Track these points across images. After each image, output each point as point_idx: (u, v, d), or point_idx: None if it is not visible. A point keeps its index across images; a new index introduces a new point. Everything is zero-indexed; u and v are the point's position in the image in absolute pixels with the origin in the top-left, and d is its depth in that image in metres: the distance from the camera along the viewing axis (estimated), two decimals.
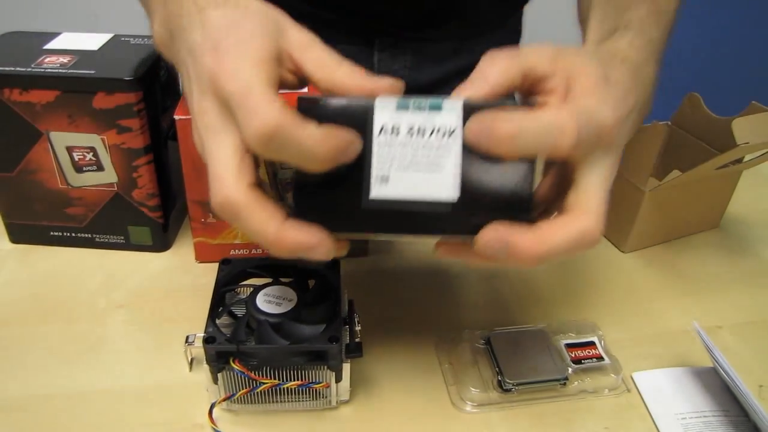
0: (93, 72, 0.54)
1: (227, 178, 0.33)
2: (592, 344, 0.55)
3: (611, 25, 0.44)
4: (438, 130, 0.34)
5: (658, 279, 0.65)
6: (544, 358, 0.53)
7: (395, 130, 0.34)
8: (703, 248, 0.70)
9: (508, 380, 0.50)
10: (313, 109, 0.35)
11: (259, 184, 0.34)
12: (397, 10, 0.70)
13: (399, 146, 0.34)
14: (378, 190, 0.35)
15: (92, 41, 0.61)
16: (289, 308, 0.47)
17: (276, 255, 0.35)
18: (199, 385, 0.48)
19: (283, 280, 0.49)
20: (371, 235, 0.37)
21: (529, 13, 0.84)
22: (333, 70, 0.35)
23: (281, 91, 0.34)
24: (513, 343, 0.54)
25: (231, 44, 0.33)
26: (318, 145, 0.32)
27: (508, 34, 0.83)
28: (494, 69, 0.36)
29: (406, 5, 0.70)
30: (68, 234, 0.63)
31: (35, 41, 0.60)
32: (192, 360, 0.51)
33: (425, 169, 0.34)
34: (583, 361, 0.53)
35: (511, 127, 0.33)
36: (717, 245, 0.71)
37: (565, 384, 0.51)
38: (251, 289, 0.49)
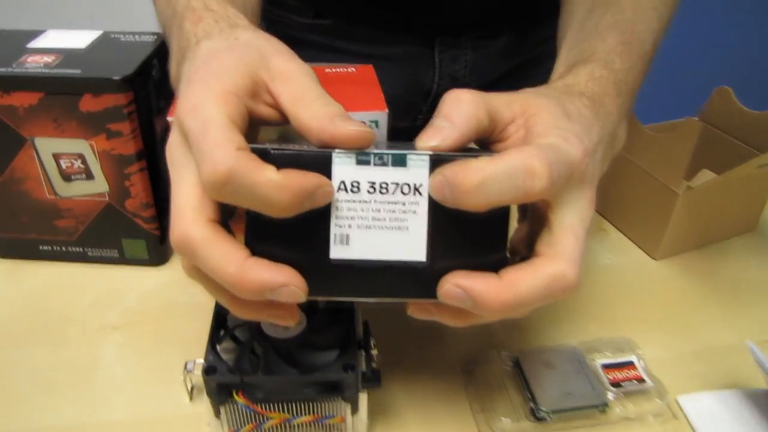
0: (79, 72, 0.50)
1: (186, 214, 0.30)
2: (631, 364, 0.50)
3: (575, 57, 0.43)
4: (403, 187, 0.31)
5: (696, 288, 0.60)
6: (579, 381, 0.48)
7: (355, 187, 0.31)
8: (740, 253, 0.65)
9: (542, 408, 0.45)
10: (263, 159, 0.30)
11: (223, 221, 0.31)
12: (459, 5, 0.69)
13: (360, 204, 0.31)
14: (338, 252, 0.32)
15: (80, 39, 0.56)
16: (298, 332, 0.42)
17: (239, 308, 0.32)
18: (200, 418, 0.44)
19: None
20: (332, 298, 0.34)
21: None
22: (303, 107, 0.32)
23: (267, 125, 0.33)
24: (544, 365, 0.49)
25: (201, 77, 0.31)
26: (277, 191, 0.28)
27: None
28: (461, 112, 0.32)
29: (464, 2, 0.68)
30: (58, 248, 0.58)
31: (18, 39, 0.55)
32: (192, 389, 0.46)
33: (390, 229, 0.32)
34: (622, 384, 0.48)
35: (476, 176, 0.29)
36: (755, 249, 0.66)
37: (604, 410, 0.46)
38: None
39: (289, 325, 0.34)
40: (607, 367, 0.50)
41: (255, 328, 0.42)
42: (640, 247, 0.65)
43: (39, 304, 0.55)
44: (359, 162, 0.31)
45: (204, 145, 0.29)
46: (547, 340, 0.53)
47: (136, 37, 0.57)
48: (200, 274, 0.32)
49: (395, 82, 0.49)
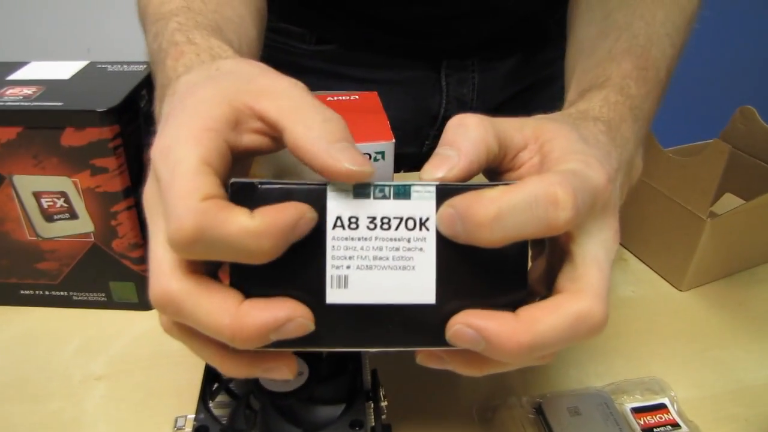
0: (61, 104, 0.46)
1: (163, 268, 0.27)
2: (663, 407, 0.46)
3: (588, 82, 0.40)
4: (407, 221, 0.28)
5: (726, 321, 0.56)
6: (608, 428, 0.43)
7: (353, 223, 0.28)
8: None
9: None
10: (249, 196, 0.27)
11: (211, 272, 0.28)
12: (467, 29, 0.67)
13: (359, 242, 0.28)
14: (335, 296, 0.28)
15: (63, 70, 0.53)
16: (299, 384, 0.38)
17: (230, 365, 0.29)
18: None
19: None
20: (329, 349, 0.30)
21: None
22: (296, 121, 0.28)
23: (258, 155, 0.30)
24: (569, 411, 0.45)
25: (175, 115, 0.28)
26: (254, 239, 0.25)
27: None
28: (468, 138, 0.29)
29: (474, 25, 0.67)
30: (41, 292, 0.54)
31: None
32: None
33: (393, 269, 0.28)
34: (655, 430, 0.44)
35: (491, 207, 0.26)
36: None
37: None
38: None
39: (287, 378, 0.29)
40: (638, 411, 0.46)
41: (252, 380, 0.38)
42: (663, 278, 0.61)
43: (19, 354, 0.51)
44: (357, 195, 0.28)
45: (169, 197, 0.25)
46: (571, 383, 0.48)
47: (125, 66, 0.54)
48: (183, 330, 0.28)
49: (401, 106, 0.46)
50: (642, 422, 0.45)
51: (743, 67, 1.91)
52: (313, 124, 0.27)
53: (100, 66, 0.54)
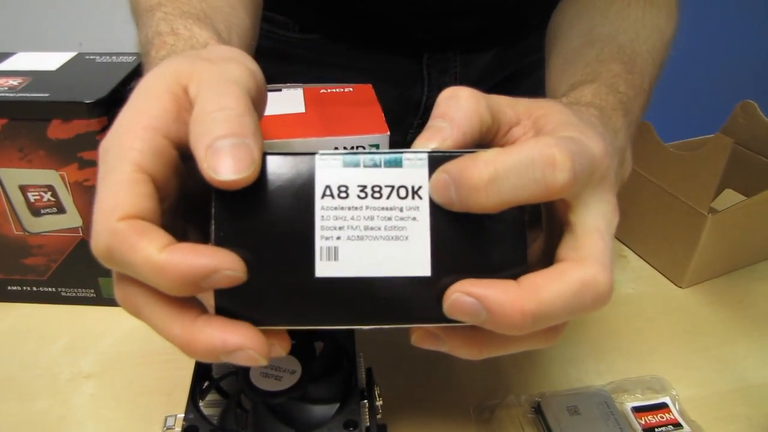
0: (47, 95, 0.45)
1: (105, 207, 0.25)
2: (664, 407, 0.45)
3: (578, 79, 0.40)
4: (399, 190, 0.27)
5: (727, 318, 0.55)
6: (609, 427, 0.43)
7: (343, 192, 0.27)
8: None
9: None
10: None
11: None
12: (446, 23, 0.67)
13: (349, 211, 0.27)
14: (324, 269, 0.27)
15: (51, 61, 0.52)
16: (292, 383, 0.37)
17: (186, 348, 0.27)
18: None
19: None
20: (320, 327, 0.28)
21: None
22: (195, 121, 0.26)
23: None
24: (569, 410, 0.44)
25: (122, 112, 0.27)
26: (156, 273, 0.24)
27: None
28: (460, 108, 0.28)
29: (456, 21, 0.67)
30: (28, 288, 0.53)
31: None
32: None
33: (386, 240, 0.27)
34: (656, 429, 0.43)
35: (486, 170, 0.25)
36: None
37: None
38: None
39: (281, 355, 0.28)
40: (639, 410, 0.45)
41: (244, 379, 0.37)
42: (664, 275, 0.60)
43: (5, 352, 0.50)
44: (347, 164, 0.27)
45: (95, 209, 0.25)
46: (570, 381, 0.47)
47: (113, 57, 0.53)
48: (133, 300, 0.26)
49: (384, 95, 0.46)
50: (643, 421, 0.44)
51: (744, 62, 1.89)
52: (204, 113, 0.25)
53: (88, 57, 0.53)
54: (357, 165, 0.27)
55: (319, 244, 0.27)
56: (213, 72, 0.27)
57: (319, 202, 0.27)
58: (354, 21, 0.67)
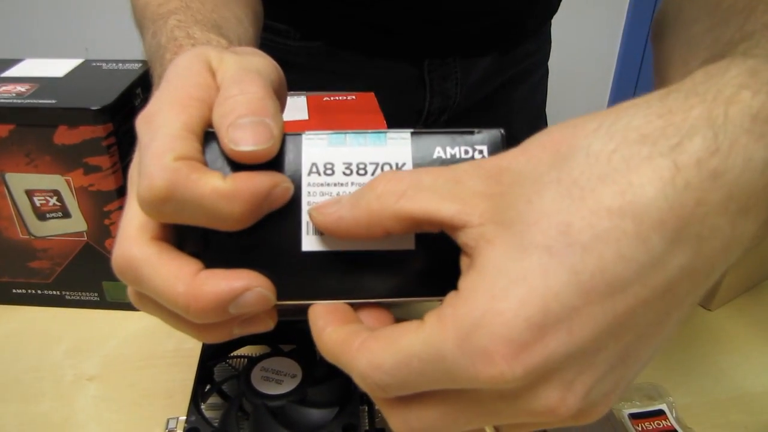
0: (54, 102, 0.46)
1: (128, 233, 0.26)
2: (661, 414, 0.45)
3: (719, 48, 0.31)
4: (383, 167, 0.28)
5: (724, 326, 0.56)
6: None
7: (329, 169, 0.28)
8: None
9: None
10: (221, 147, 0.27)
11: (170, 239, 0.27)
12: (447, 30, 0.68)
13: (335, 188, 0.28)
14: (311, 243, 0.28)
15: (58, 68, 0.52)
16: (293, 387, 0.38)
17: (204, 332, 0.28)
18: None
19: (283, 347, 0.40)
20: (307, 301, 0.29)
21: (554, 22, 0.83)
22: (219, 101, 0.27)
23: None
24: None
25: (162, 88, 0.27)
26: (227, 201, 0.24)
27: (542, 42, 0.81)
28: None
29: (457, 27, 0.68)
30: (33, 291, 0.54)
31: None
32: None
33: None
34: None
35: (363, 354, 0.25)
36: None
37: None
38: (245, 360, 0.40)
39: (268, 328, 0.28)
40: (635, 417, 0.45)
41: (245, 382, 0.38)
42: None
43: (10, 354, 0.50)
44: (333, 142, 0.28)
45: (145, 157, 0.25)
46: None
47: (120, 65, 0.54)
48: (148, 302, 0.27)
49: (386, 102, 0.46)
50: (640, 428, 0.44)
51: None
52: (228, 96, 0.26)
53: (94, 64, 0.54)
54: (342, 144, 0.28)
55: (306, 218, 0.28)
56: (239, 61, 0.29)
57: (306, 179, 0.28)
58: (356, 28, 0.68)
